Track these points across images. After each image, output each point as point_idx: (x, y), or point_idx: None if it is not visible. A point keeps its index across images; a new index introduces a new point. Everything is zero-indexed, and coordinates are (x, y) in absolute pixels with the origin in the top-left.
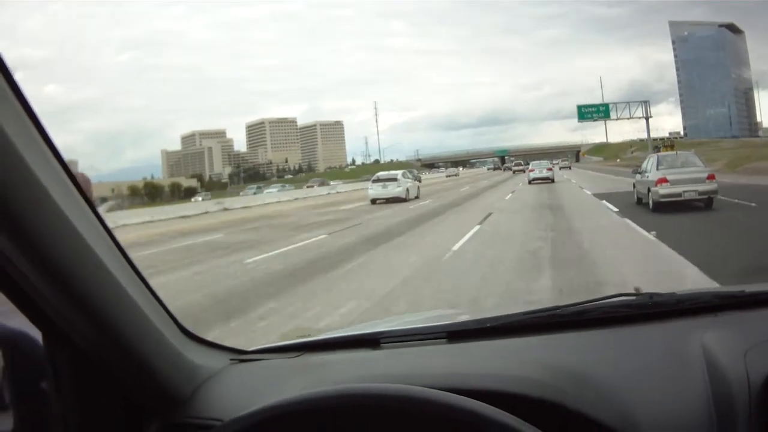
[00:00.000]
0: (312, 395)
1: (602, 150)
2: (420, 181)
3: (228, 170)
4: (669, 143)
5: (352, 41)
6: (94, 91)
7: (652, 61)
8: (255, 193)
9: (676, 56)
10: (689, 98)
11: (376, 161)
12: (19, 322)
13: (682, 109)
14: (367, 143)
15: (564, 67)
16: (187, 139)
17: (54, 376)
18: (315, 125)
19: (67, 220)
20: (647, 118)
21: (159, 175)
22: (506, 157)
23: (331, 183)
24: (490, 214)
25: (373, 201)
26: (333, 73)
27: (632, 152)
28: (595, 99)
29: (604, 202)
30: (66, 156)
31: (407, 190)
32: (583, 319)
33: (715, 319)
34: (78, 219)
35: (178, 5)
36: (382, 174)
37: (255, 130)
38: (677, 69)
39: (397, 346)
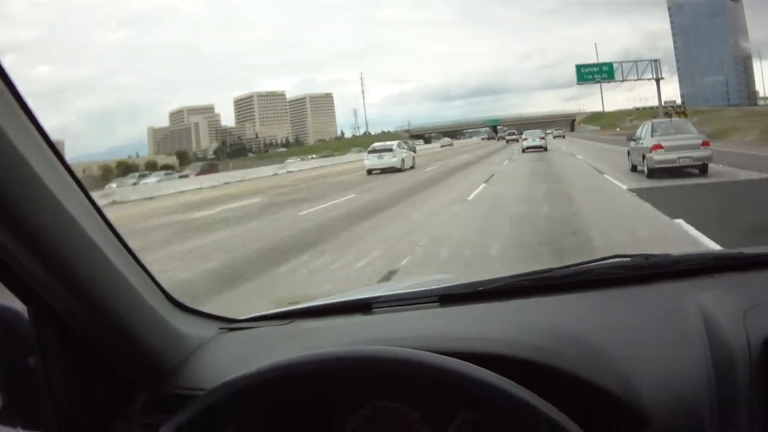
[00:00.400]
0: (300, 359)
1: (598, 119)
2: (415, 151)
3: (214, 146)
4: (681, 110)
5: (343, 12)
6: (86, 71)
7: (644, 30)
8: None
9: (672, 22)
10: (686, 66)
11: (366, 133)
12: (3, 297)
13: (679, 76)
14: (356, 115)
15: (557, 37)
16: (175, 116)
17: (40, 351)
18: (305, 98)
19: (51, 194)
20: (658, 80)
21: (145, 153)
22: (498, 127)
23: (289, 161)
24: (492, 176)
25: (369, 171)
26: (325, 45)
27: (631, 121)
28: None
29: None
30: (59, 136)
31: (402, 160)
32: (577, 281)
33: (713, 281)
34: (62, 193)
35: None
36: (377, 145)
37: (243, 105)
38: (673, 35)
39: (388, 311)
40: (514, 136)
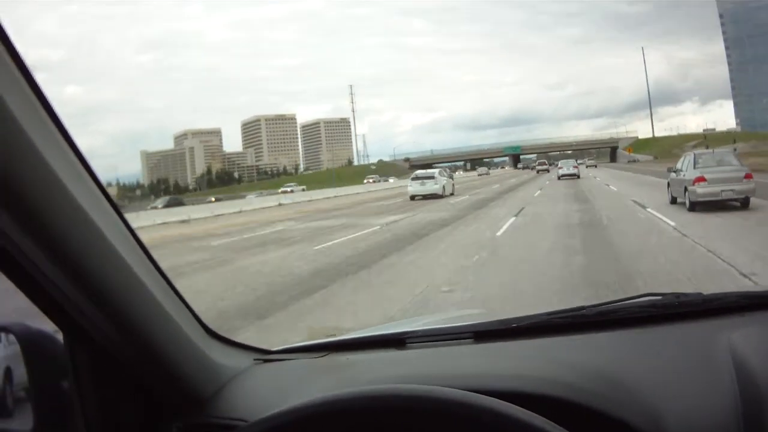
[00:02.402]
0: (338, 396)
1: (648, 146)
2: (453, 179)
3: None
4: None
5: (373, 40)
6: (114, 92)
7: (676, 60)
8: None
9: (726, 43)
10: (742, 89)
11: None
12: (40, 321)
13: (734, 99)
14: (365, 143)
15: (587, 67)
16: (179, 139)
17: (74, 375)
18: (318, 123)
19: (89, 219)
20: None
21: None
22: (520, 155)
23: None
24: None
25: (413, 197)
26: (355, 72)
27: (695, 147)
28: (618, 99)
29: None
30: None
31: (443, 187)
32: (609, 319)
33: (743, 319)
34: (100, 218)
35: (195, 4)
36: (420, 172)
37: (250, 129)
38: (728, 56)
39: (422, 346)
40: (544, 166)
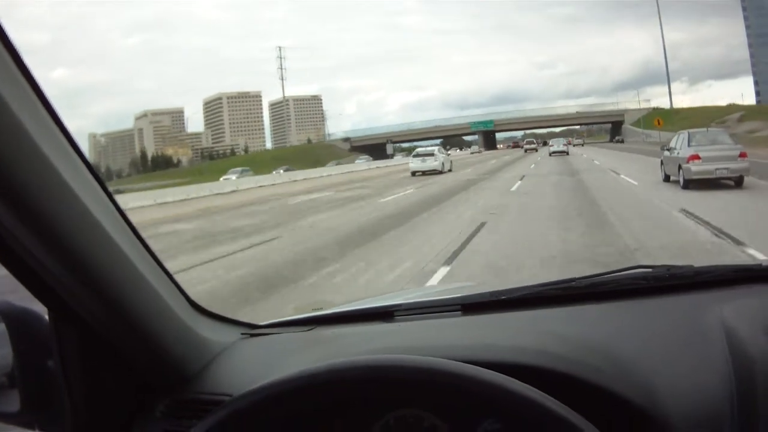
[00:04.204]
0: (322, 368)
1: (669, 119)
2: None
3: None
4: None
5: (364, 19)
6: (104, 74)
7: (666, 41)
8: None
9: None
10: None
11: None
12: (25, 300)
13: (755, 76)
14: (325, 120)
15: (577, 46)
16: (139, 120)
17: (60, 353)
18: (287, 101)
19: (75, 196)
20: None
21: None
22: (494, 133)
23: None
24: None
25: (413, 173)
26: (345, 53)
27: (739, 119)
28: (607, 78)
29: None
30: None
31: (442, 163)
32: (599, 291)
33: (734, 292)
34: (86, 195)
35: None
36: (420, 149)
37: (212, 108)
38: (747, 27)
39: (410, 318)
40: (533, 145)
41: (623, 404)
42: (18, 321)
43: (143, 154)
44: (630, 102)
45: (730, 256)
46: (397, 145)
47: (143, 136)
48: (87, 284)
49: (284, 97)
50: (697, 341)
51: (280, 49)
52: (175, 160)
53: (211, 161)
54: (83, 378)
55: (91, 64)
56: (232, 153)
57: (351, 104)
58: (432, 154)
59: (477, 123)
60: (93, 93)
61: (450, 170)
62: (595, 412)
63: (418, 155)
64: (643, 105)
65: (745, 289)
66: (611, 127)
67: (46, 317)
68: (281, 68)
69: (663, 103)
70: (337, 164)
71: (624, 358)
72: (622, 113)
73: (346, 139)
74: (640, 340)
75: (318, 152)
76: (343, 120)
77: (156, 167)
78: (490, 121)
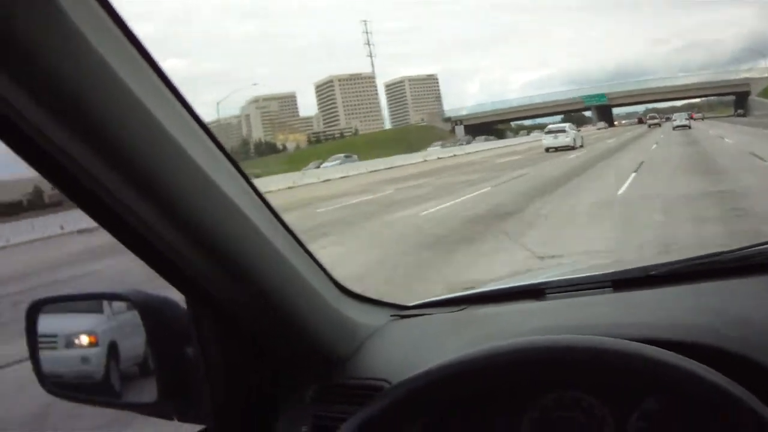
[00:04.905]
0: (484, 352)
1: None
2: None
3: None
4: None
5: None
6: (216, 64)
7: None
8: None
9: None
10: None
11: (458, 120)
12: (157, 287)
13: None
14: (441, 99)
15: (692, 20)
16: (248, 106)
17: (199, 340)
18: (403, 81)
19: (212, 180)
20: None
21: None
22: (610, 107)
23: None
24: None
25: (547, 150)
26: (464, 33)
27: None
28: (722, 52)
29: None
30: None
31: (574, 139)
32: (747, 264)
33: None
34: (223, 179)
35: None
36: (552, 126)
37: (324, 91)
38: None
39: (561, 296)
40: (656, 120)
41: None
42: (153, 310)
43: (245, 141)
44: (753, 72)
45: None
46: (518, 123)
47: (250, 122)
48: (230, 271)
49: (373, 73)
50: None
51: (365, 24)
52: (281, 146)
53: (317, 145)
54: (224, 365)
55: (202, 54)
56: (341, 136)
57: (473, 84)
58: (564, 131)
59: (589, 97)
60: (206, 82)
61: (582, 146)
62: (752, 389)
63: (550, 132)
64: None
65: None
66: (735, 100)
67: (183, 305)
68: (368, 44)
69: None
70: (442, 147)
71: None
72: (746, 83)
73: (447, 119)
74: None
75: (418, 135)
76: (466, 99)
77: (260, 154)
78: (602, 95)
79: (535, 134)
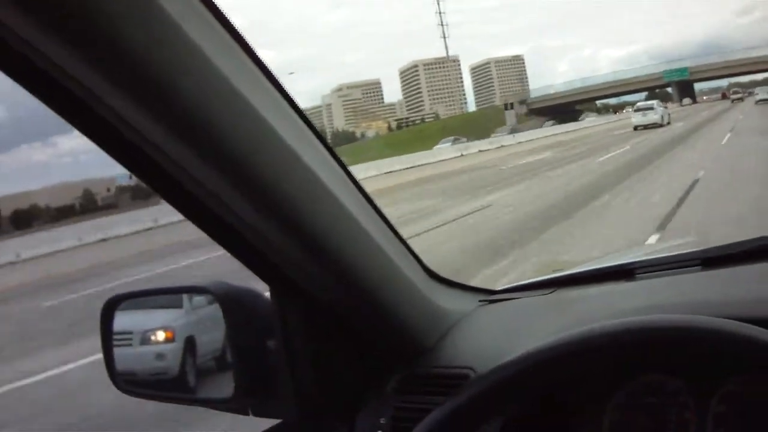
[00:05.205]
0: (576, 336)
1: None
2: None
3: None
4: None
5: None
6: (306, 51)
7: None
8: None
9: None
10: None
11: (510, 104)
12: (240, 279)
13: None
14: (527, 82)
15: None
16: (330, 95)
17: (284, 332)
18: (489, 63)
19: (301, 160)
20: None
21: None
22: (692, 82)
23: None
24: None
25: (636, 128)
26: (551, 10)
27: None
28: None
29: None
30: None
31: (662, 117)
32: None
33: None
34: (313, 159)
35: None
36: (641, 104)
37: (409, 77)
38: None
39: (651, 276)
40: (739, 95)
41: None
42: (235, 301)
43: (322, 131)
44: None
45: None
46: (603, 102)
47: (332, 111)
48: (316, 258)
49: (447, 55)
50: None
51: (438, 3)
52: (359, 135)
53: (397, 132)
54: (308, 356)
55: (293, 43)
56: (422, 121)
57: (562, 63)
58: (652, 108)
59: (670, 72)
60: (296, 70)
61: (669, 123)
62: None
63: (639, 109)
64: None
65: None
66: None
67: (266, 295)
68: (442, 24)
69: None
70: (511, 133)
71: None
72: None
73: (523, 102)
74: None
75: (496, 117)
76: (557, 78)
77: (337, 144)
78: (684, 69)
79: (611, 115)
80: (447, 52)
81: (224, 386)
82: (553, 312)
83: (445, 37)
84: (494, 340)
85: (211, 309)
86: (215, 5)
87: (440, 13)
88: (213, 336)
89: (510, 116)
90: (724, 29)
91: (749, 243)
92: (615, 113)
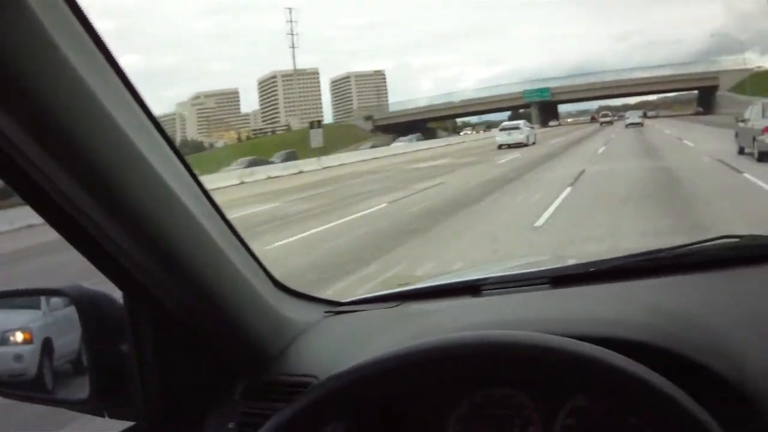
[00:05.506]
0: (414, 348)
1: None
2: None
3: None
4: None
5: None
6: (176, 58)
7: (736, 11)
8: None
9: None
10: None
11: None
12: (95, 283)
13: None
14: (387, 97)
15: (652, 18)
16: (183, 105)
17: (135, 337)
18: (349, 77)
19: (153, 171)
20: None
21: None
22: (555, 104)
23: None
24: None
25: (500, 146)
26: (420, 29)
27: None
28: (682, 49)
29: None
30: None
31: (527, 137)
32: (687, 262)
33: None
34: (165, 170)
35: None
36: (506, 124)
37: (267, 87)
38: None
39: (497, 292)
40: (608, 118)
41: (711, 377)
42: (90, 305)
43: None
44: (726, 64)
45: None
46: (464, 120)
47: (185, 120)
48: (164, 263)
49: (294, 67)
50: None
51: (290, 12)
52: (208, 144)
53: (245, 143)
54: (158, 361)
55: (161, 50)
56: (273, 133)
57: (427, 81)
58: (518, 128)
59: (531, 92)
60: (164, 77)
61: (534, 143)
62: (685, 385)
63: (504, 129)
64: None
65: None
66: (698, 96)
67: (120, 301)
68: (292, 33)
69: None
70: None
71: (712, 329)
72: (715, 76)
73: (369, 118)
74: (729, 311)
75: (337, 133)
76: (419, 96)
77: (185, 154)
78: (546, 89)
79: (446, 137)
80: (294, 64)
81: (81, 388)
82: (397, 325)
83: (293, 47)
84: (338, 350)
85: (67, 311)
86: (77, 4)
87: (291, 21)
88: (70, 338)
89: (316, 135)
90: (601, 53)
91: (597, 264)
92: (459, 133)
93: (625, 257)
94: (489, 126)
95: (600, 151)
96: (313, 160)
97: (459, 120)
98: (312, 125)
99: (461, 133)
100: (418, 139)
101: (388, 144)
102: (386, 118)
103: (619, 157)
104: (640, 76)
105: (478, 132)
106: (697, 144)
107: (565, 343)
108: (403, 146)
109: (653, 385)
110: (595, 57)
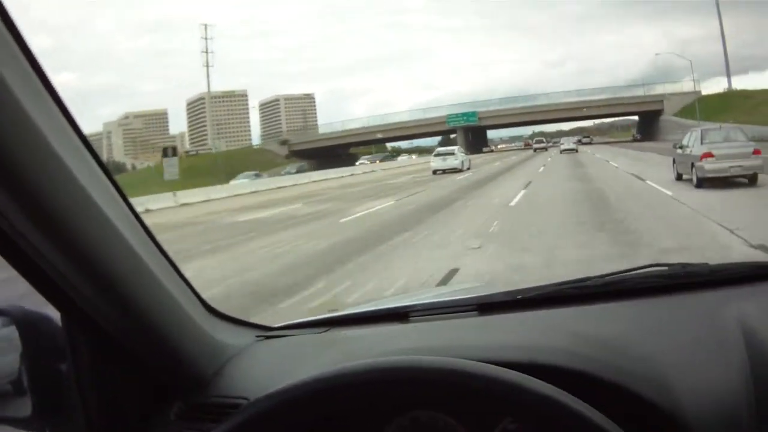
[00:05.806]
0: (338, 371)
1: (734, 104)
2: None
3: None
4: None
5: (373, 20)
6: (109, 77)
7: (675, 38)
8: None
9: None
10: None
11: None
12: (35, 303)
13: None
14: (315, 119)
15: (587, 44)
16: (110, 124)
17: (73, 357)
18: (278, 100)
19: (89, 197)
20: None
21: None
22: (483, 129)
23: None
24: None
25: (435, 172)
26: (353, 53)
27: None
28: (617, 75)
29: None
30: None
31: (462, 162)
32: (615, 289)
33: (753, 290)
34: (100, 196)
35: None
36: (441, 149)
37: (196, 109)
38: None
39: (426, 319)
40: (542, 144)
41: (640, 402)
42: (30, 325)
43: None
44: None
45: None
46: (394, 145)
47: (111, 141)
48: (101, 287)
49: (208, 89)
50: (714, 339)
51: (205, 28)
52: (130, 166)
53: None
54: (96, 382)
55: (95, 68)
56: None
57: (359, 105)
58: (452, 153)
59: (456, 116)
60: (98, 96)
61: (469, 168)
62: (613, 410)
63: (439, 154)
64: (686, 89)
65: (763, 286)
66: (639, 122)
67: (59, 321)
68: (206, 51)
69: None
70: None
71: (640, 355)
72: (659, 99)
73: (284, 142)
74: (656, 338)
75: (248, 159)
76: (352, 121)
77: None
78: (473, 114)
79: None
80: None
81: (23, 407)
82: (326, 349)
83: (207, 66)
84: (268, 373)
85: (7, 331)
86: (9, 18)
87: (206, 38)
88: (11, 357)
89: (170, 165)
90: (534, 79)
91: (525, 291)
92: (382, 161)
93: (552, 285)
94: (420, 152)
95: (540, 170)
96: (168, 195)
97: (389, 145)
98: (165, 153)
99: (357, 163)
100: (300, 170)
101: (302, 170)
102: (304, 143)
103: (558, 171)
104: (573, 99)
105: (380, 162)
106: (623, 166)
107: (483, 369)
108: (247, 183)
109: (564, 404)
110: (530, 82)
